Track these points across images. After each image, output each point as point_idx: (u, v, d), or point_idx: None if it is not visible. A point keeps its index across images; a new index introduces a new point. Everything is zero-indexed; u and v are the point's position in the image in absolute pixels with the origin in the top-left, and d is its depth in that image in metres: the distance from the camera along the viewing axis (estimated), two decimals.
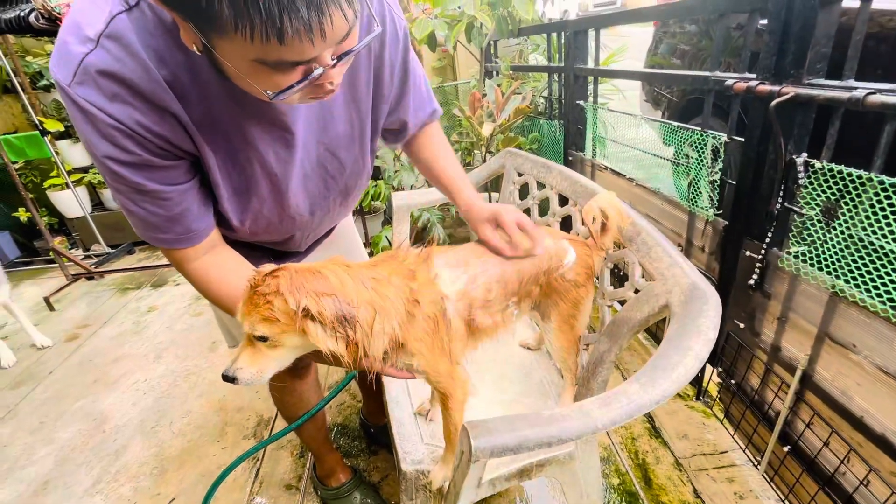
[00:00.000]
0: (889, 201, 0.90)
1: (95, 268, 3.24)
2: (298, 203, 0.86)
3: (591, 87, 2.13)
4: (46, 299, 2.87)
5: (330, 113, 0.80)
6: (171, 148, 0.66)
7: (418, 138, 1.04)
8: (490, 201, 2.69)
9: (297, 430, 1.26)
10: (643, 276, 0.99)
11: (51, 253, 3.20)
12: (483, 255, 0.92)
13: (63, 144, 3.47)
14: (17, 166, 3.17)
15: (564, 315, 0.99)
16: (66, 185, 3.38)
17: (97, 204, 3.83)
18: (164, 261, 3.32)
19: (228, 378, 0.70)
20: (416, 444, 1.01)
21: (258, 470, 1.57)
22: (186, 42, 0.55)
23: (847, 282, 1.03)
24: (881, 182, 0.92)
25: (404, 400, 1.13)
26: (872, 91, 0.88)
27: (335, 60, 0.56)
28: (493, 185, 2.85)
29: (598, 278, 1.14)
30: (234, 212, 0.79)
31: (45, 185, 3.50)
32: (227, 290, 0.79)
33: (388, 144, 1.04)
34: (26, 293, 3.18)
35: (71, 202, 3.51)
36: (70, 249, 3.75)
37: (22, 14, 2.05)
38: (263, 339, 0.66)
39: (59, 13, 2.06)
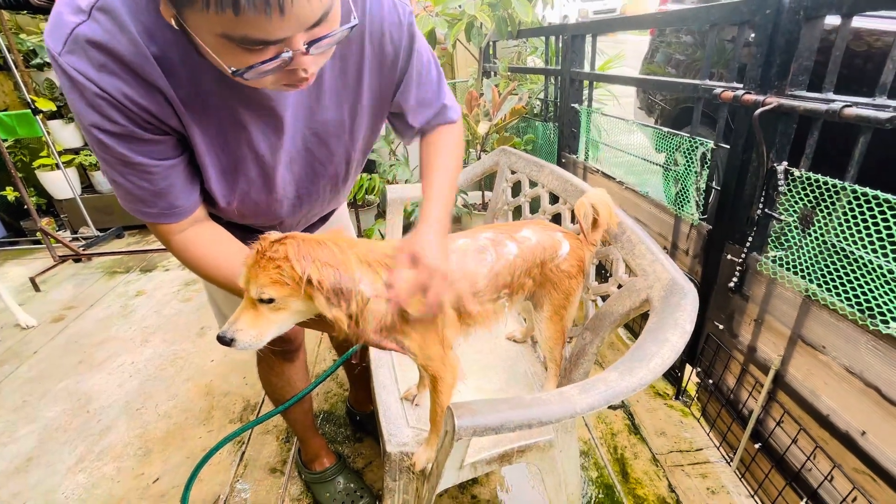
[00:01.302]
0: (860, 209, 0.95)
1: (84, 250, 3.21)
2: (286, 186, 0.86)
3: (586, 91, 2.18)
4: (32, 280, 2.84)
5: (318, 99, 0.79)
6: (158, 122, 0.66)
7: (426, 138, 0.97)
8: (483, 199, 2.73)
9: (284, 414, 1.28)
10: (626, 272, 1.03)
11: (38, 234, 3.16)
12: (479, 248, 0.94)
13: (55, 124, 3.43)
14: (6, 145, 3.13)
15: (556, 305, 1.03)
16: (57, 165, 3.34)
17: (87, 186, 3.79)
18: (154, 246, 3.30)
19: (225, 340, 0.70)
20: (402, 427, 1.03)
21: (243, 453, 1.58)
22: (166, 16, 0.56)
23: (819, 286, 1.08)
24: (854, 191, 0.96)
25: (391, 385, 1.16)
26: (849, 104, 0.93)
27: (306, 46, 0.56)
28: (486, 182, 2.88)
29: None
30: (221, 192, 0.80)
31: (35, 164, 3.46)
32: (210, 261, 0.79)
33: (399, 137, 1.01)
34: (11, 273, 3.14)
35: (60, 183, 3.47)
36: (57, 231, 3.71)
37: None
38: (269, 301, 0.68)
39: None
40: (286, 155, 0.81)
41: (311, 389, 1.25)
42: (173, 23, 0.55)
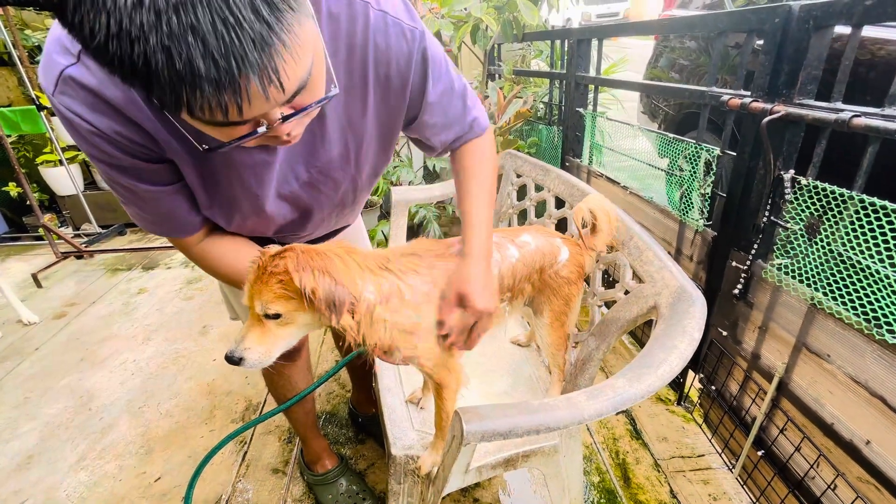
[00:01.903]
0: (867, 219, 0.95)
1: (86, 247, 3.21)
2: (285, 216, 0.86)
3: (591, 95, 2.18)
4: (34, 276, 2.84)
5: (322, 138, 0.78)
6: (154, 152, 0.67)
7: (455, 156, 0.94)
8: None
9: (286, 414, 1.28)
10: (633, 279, 1.03)
11: (40, 230, 3.16)
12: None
13: (58, 121, 3.43)
14: (9, 140, 3.13)
15: (556, 311, 1.03)
16: (60, 161, 3.34)
17: (90, 183, 3.79)
18: (156, 244, 3.30)
19: (234, 360, 0.69)
20: (407, 430, 1.04)
21: (245, 453, 1.58)
22: None
23: (825, 294, 1.08)
24: (861, 201, 0.97)
25: (396, 388, 1.16)
26: (858, 114, 0.93)
27: (283, 118, 0.53)
28: None
29: (587, 281, 1.18)
30: (217, 218, 0.81)
31: (38, 160, 3.46)
32: (230, 267, 0.82)
33: (426, 154, 1.00)
34: (13, 269, 3.14)
35: (63, 179, 3.47)
36: (60, 227, 3.71)
37: None
38: (275, 316, 0.68)
39: None
40: (286, 190, 0.81)
41: (313, 390, 1.25)
42: None
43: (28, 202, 3.10)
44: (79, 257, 3.23)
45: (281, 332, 0.70)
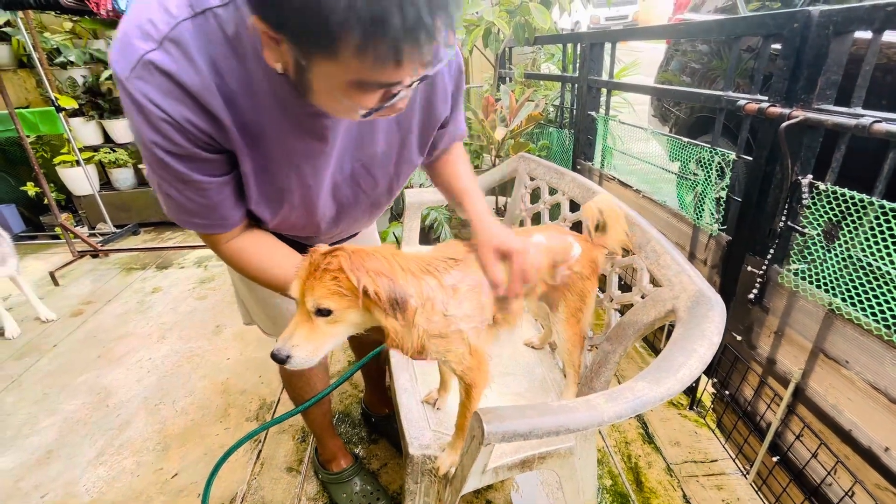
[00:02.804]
0: (888, 225, 0.95)
1: (101, 246, 3.26)
2: (326, 211, 0.89)
3: (603, 98, 2.18)
4: (52, 274, 2.89)
5: (371, 132, 0.82)
6: (216, 144, 0.69)
7: (445, 157, 1.05)
8: (497, 204, 2.74)
9: (303, 414, 1.30)
10: (650, 283, 1.04)
11: (57, 229, 3.21)
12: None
13: (76, 122, 3.50)
14: (28, 141, 3.19)
15: (572, 308, 1.04)
16: (77, 162, 3.40)
17: (105, 183, 3.85)
18: (170, 243, 3.35)
19: (280, 358, 0.68)
20: (424, 430, 1.05)
21: (259, 452, 1.60)
22: (269, 60, 0.58)
23: (844, 300, 1.07)
24: (881, 206, 0.96)
25: (412, 388, 1.17)
26: (878, 119, 0.93)
27: (420, 79, 0.58)
28: (501, 188, 2.89)
29: (601, 289, 1.19)
30: (263, 213, 0.82)
31: (56, 161, 3.52)
32: (261, 266, 0.81)
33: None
34: (30, 267, 3.19)
35: (80, 180, 3.53)
36: (75, 227, 3.77)
37: None
38: (326, 313, 0.68)
39: None
40: (332, 183, 0.85)
41: (331, 391, 1.26)
42: (279, 67, 0.59)
43: (45, 202, 3.16)
44: (94, 256, 3.28)
45: (329, 331, 0.69)
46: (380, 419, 1.62)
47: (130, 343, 2.25)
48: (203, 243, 0.91)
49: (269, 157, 0.74)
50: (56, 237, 3.60)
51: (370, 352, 1.10)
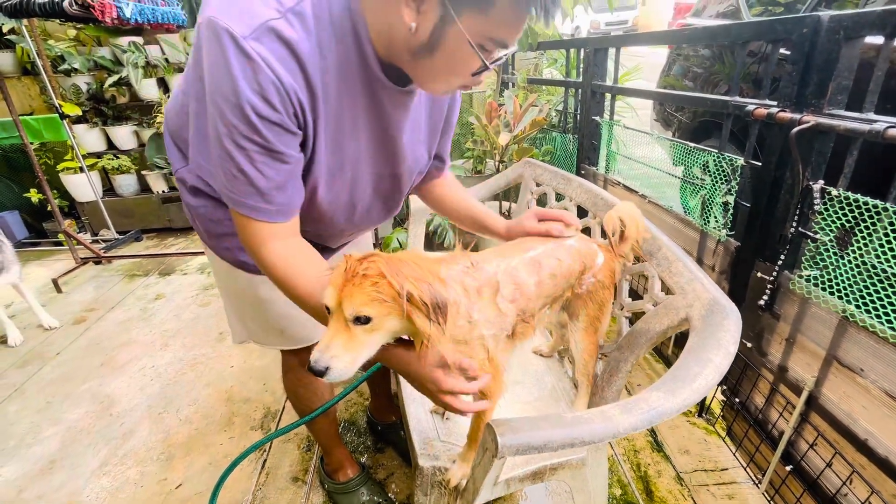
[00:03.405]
0: None
1: (104, 252, 3.26)
2: (364, 200, 0.92)
3: (607, 103, 2.18)
4: (55, 281, 2.88)
5: (418, 135, 0.90)
6: (303, 118, 0.71)
7: (445, 180, 1.14)
8: (500, 209, 2.73)
9: (309, 424, 1.28)
10: (662, 290, 1.02)
11: (60, 235, 3.22)
12: (522, 266, 0.93)
13: (80, 129, 3.51)
14: (32, 147, 3.20)
15: (591, 317, 1.03)
16: (80, 168, 3.41)
17: (108, 189, 3.86)
18: (172, 249, 3.34)
19: (318, 370, 0.65)
20: (433, 440, 1.03)
21: (265, 461, 1.58)
22: (408, 18, 0.65)
23: (858, 307, 1.06)
24: None
25: (421, 397, 1.15)
26: (893, 125, 0.92)
27: (507, 54, 0.69)
28: (505, 193, 2.89)
29: (614, 293, 1.17)
30: (320, 184, 0.83)
31: (59, 167, 3.53)
32: (306, 276, 0.77)
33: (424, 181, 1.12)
34: (33, 274, 3.19)
35: (83, 186, 3.53)
36: (78, 233, 3.77)
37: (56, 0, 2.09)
38: (365, 321, 0.65)
39: (92, 0, 2.10)
40: (377, 173, 0.89)
41: (338, 401, 1.25)
42: (413, 25, 0.65)
43: (49, 208, 3.15)
44: (97, 263, 3.28)
45: (366, 340, 0.67)
46: (386, 427, 1.60)
47: (133, 351, 2.24)
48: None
49: (337, 156, 0.79)
50: (59, 244, 3.60)
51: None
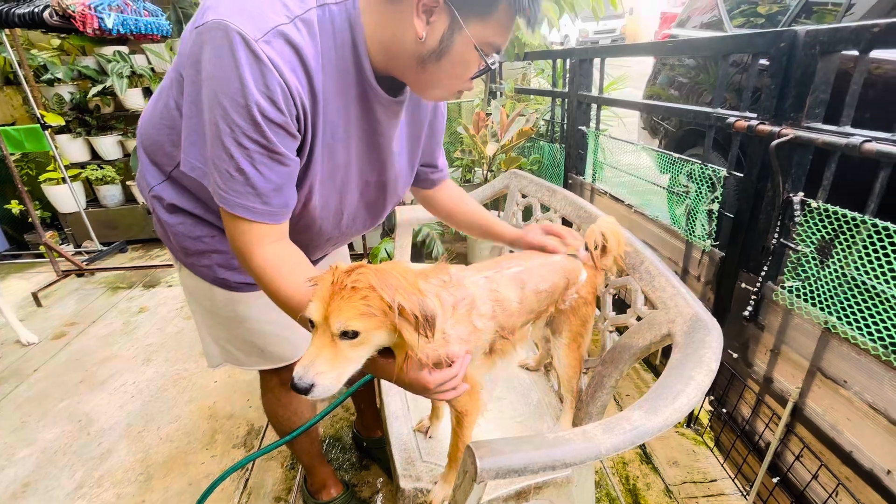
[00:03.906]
0: (881, 244, 0.94)
1: (87, 265, 3.20)
2: (350, 208, 0.94)
3: (593, 113, 2.19)
4: (34, 294, 2.82)
5: (400, 147, 0.92)
6: (304, 123, 0.73)
7: (447, 187, 1.17)
8: None
9: (290, 444, 1.25)
10: (645, 304, 1.02)
11: (41, 247, 3.15)
12: (505, 282, 0.92)
13: (62, 139, 3.45)
14: (13, 158, 3.14)
15: (574, 332, 1.02)
16: (63, 179, 3.35)
17: (92, 200, 3.80)
18: (158, 261, 3.29)
19: (303, 388, 0.62)
20: (416, 461, 1.01)
21: (247, 481, 1.54)
22: (420, 28, 0.70)
23: (839, 318, 1.06)
24: (874, 225, 0.96)
25: (404, 415, 1.13)
26: (868, 139, 0.93)
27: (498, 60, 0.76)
28: (493, 203, 2.89)
29: (598, 306, 1.17)
30: (315, 194, 0.84)
31: (41, 178, 3.47)
32: (296, 282, 0.74)
33: (419, 189, 1.15)
34: (13, 287, 3.12)
35: (66, 197, 3.47)
36: (61, 245, 3.70)
37: (36, 10, 2.06)
38: (353, 335, 0.63)
39: (73, 11, 2.08)
40: (364, 181, 0.91)
41: (320, 419, 1.22)
42: (423, 34, 0.70)
43: (30, 220, 3.09)
44: (79, 275, 3.21)
45: (352, 355, 0.65)
46: (372, 443, 1.57)
47: (114, 366, 2.19)
48: None
49: (336, 138, 0.80)
50: (41, 256, 3.52)
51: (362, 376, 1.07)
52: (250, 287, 0.97)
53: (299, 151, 0.76)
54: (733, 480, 1.47)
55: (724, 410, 1.51)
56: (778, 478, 1.28)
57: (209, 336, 1.08)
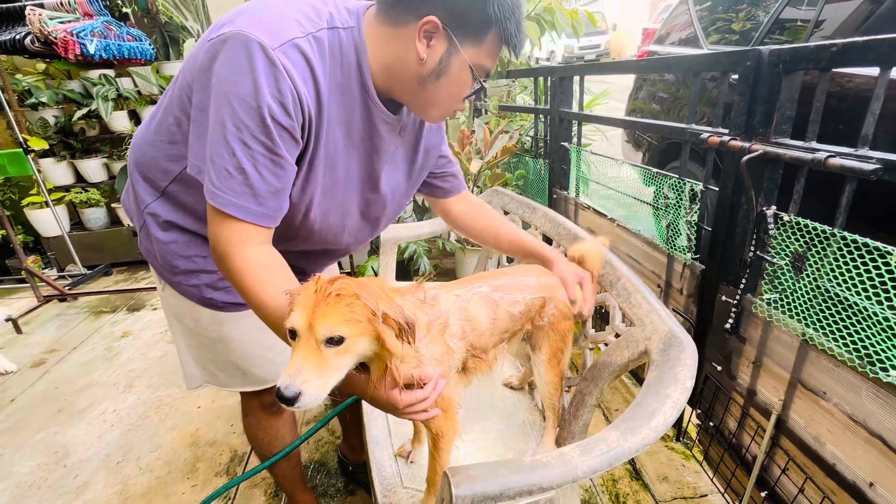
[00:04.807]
0: (850, 256, 0.96)
1: (70, 289, 3.14)
2: (350, 223, 0.95)
3: (575, 129, 2.23)
4: (14, 321, 2.76)
5: (397, 165, 0.96)
6: (307, 133, 0.77)
7: (465, 198, 1.18)
8: None
9: (271, 469, 1.22)
10: (623, 321, 1.02)
11: (23, 273, 3.09)
12: (476, 300, 0.92)
13: (46, 162, 3.43)
14: None
15: (554, 348, 1.02)
16: (46, 203, 3.32)
17: (76, 223, 3.75)
18: (143, 283, 3.24)
19: (289, 398, 0.60)
20: (396, 487, 0.99)
21: None
22: (421, 51, 0.76)
23: (816, 330, 1.07)
24: (843, 237, 0.97)
25: (385, 440, 1.11)
26: (832, 154, 0.95)
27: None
28: None
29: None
30: (313, 205, 0.85)
31: (24, 202, 3.43)
32: (274, 289, 0.73)
33: (435, 197, 1.16)
34: None
35: (49, 221, 3.43)
36: (44, 269, 3.64)
37: (18, 37, 2.06)
38: (339, 341, 0.62)
39: (55, 38, 2.08)
40: (365, 200, 0.94)
41: (300, 443, 1.20)
42: (425, 56, 0.76)
43: (11, 245, 3.05)
44: (62, 300, 3.16)
45: (337, 363, 0.64)
46: (357, 467, 1.54)
47: (94, 394, 2.14)
48: None
49: (332, 178, 0.84)
50: (23, 281, 3.46)
51: (346, 398, 1.05)
52: (237, 307, 0.97)
53: (301, 160, 0.79)
54: (723, 495, 1.46)
55: (712, 424, 1.50)
56: (766, 492, 1.27)
57: (191, 357, 1.07)
